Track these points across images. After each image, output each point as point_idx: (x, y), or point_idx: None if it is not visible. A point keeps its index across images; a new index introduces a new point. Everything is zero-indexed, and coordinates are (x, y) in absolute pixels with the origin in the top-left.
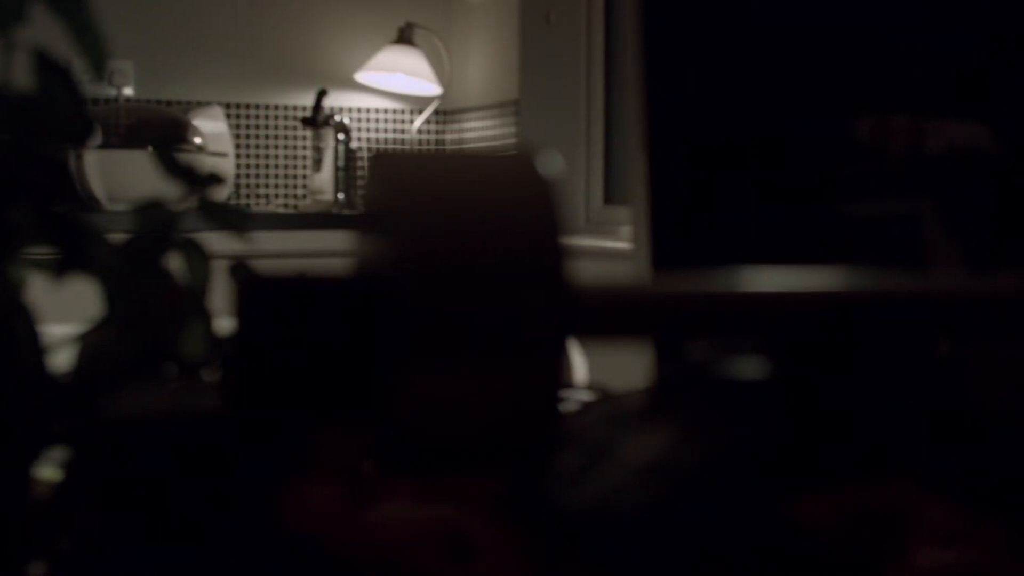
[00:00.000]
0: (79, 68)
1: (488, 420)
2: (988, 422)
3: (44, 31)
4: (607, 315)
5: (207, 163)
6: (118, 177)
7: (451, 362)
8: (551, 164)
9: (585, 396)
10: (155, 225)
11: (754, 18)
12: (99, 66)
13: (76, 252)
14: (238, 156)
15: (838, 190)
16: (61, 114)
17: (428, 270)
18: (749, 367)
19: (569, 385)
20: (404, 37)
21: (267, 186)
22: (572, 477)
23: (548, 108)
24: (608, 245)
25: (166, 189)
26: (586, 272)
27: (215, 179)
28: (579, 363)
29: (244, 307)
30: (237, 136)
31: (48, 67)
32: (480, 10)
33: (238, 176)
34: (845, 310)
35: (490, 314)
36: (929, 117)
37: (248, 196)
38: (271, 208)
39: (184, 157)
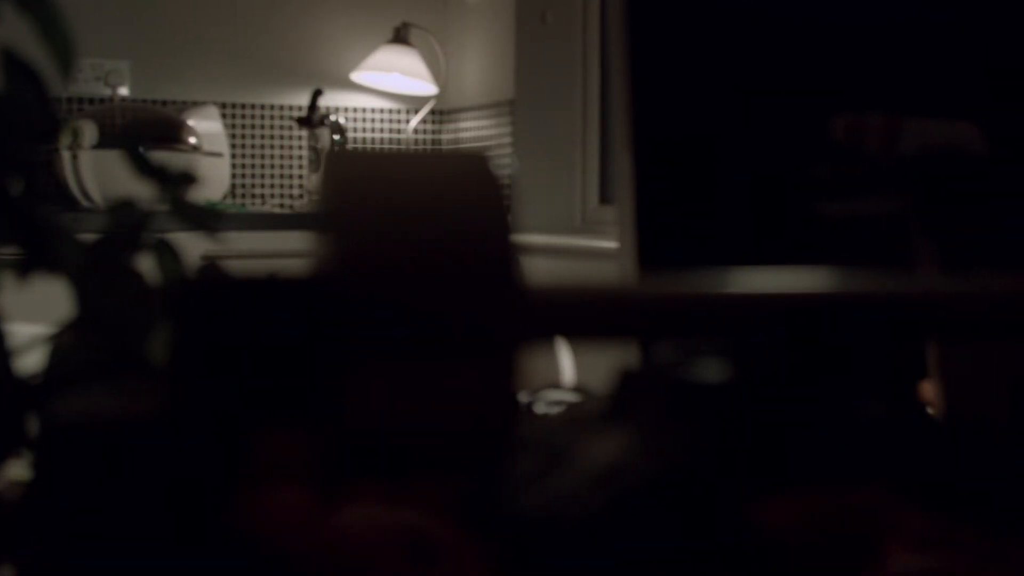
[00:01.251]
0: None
1: (437, 425)
2: (962, 426)
3: (14, 32)
4: (559, 317)
5: (202, 163)
6: (113, 177)
7: (397, 366)
8: (502, 165)
9: (568, 397)
10: (124, 225)
11: (740, 19)
12: (67, 66)
13: (41, 251)
14: (234, 156)
15: (822, 190)
16: (28, 114)
17: (374, 271)
18: (713, 370)
19: (545, 386)
20: (400, 37)
21: (263, 186)
22: (529, 482)
23: (544, 108)
24: (604, 245)
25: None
26: (582, 272)
27: (187, 179)
28: (566, 364)
29: (188, 308)
30: (233, 136)
31: (15, 67)
32: (476, 10)
33: (234, 176)
34: (816, 312)
35: (436, 316)
36: (916, 117)
37: (244, 196)
38: (267, 208)
39: (156, 156)
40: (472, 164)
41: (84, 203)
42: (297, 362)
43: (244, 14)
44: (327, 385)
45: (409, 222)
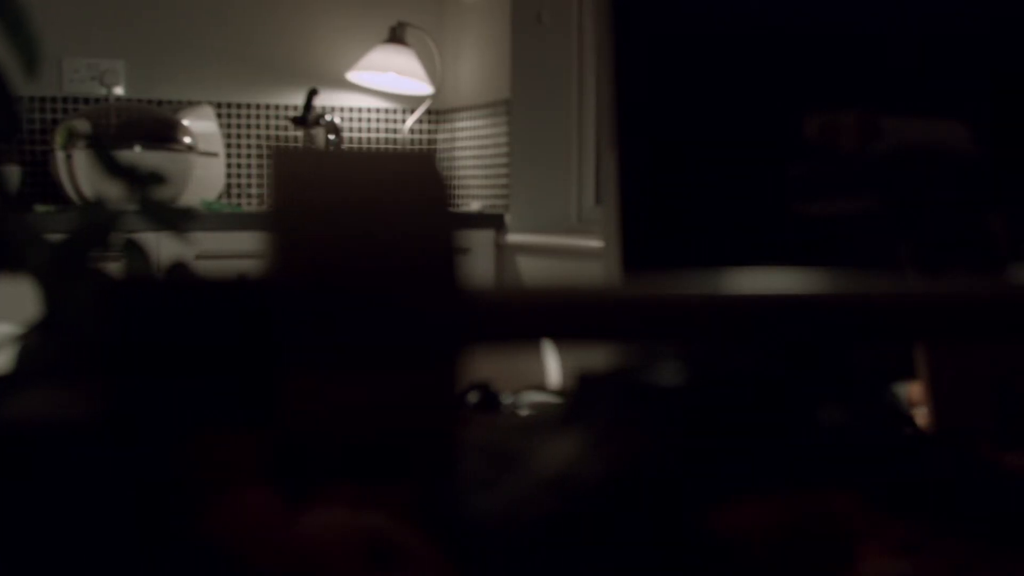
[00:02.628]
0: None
1: (377, 429)
2: (936, 432)
3: None
4: (501, 320)
5: (198, 163)
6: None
7: (336, 368)
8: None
9: (550, 399)
10: (91, 225)
11: (725, 19)
12: (32, 66)
13: (5, 251)
14: (229, 156)
15: (805, 191)
16: None
17: (314, 273)
18: (674, 372)
19: (528, 388)
20: (396, 36)
21: (258, 186)
22: (483, 485)
23: (540, 107)
24: (599, 245)
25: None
26: (577, 271)
27: (156, 178)
28: (551, 365)
29: (134, 309)
30: (228, 136)
31: None
32: (472, 9)
33: (229, 176)
34: (788, 314)
35: (375, 320)
36: (898, 117)
37: (239, 196)
38: (262, 208)
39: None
40: (417, 165)
41: (79, 203)
42: (246, 364)
43: (239, 14)
44: (273, 387)
45: (352, 223)
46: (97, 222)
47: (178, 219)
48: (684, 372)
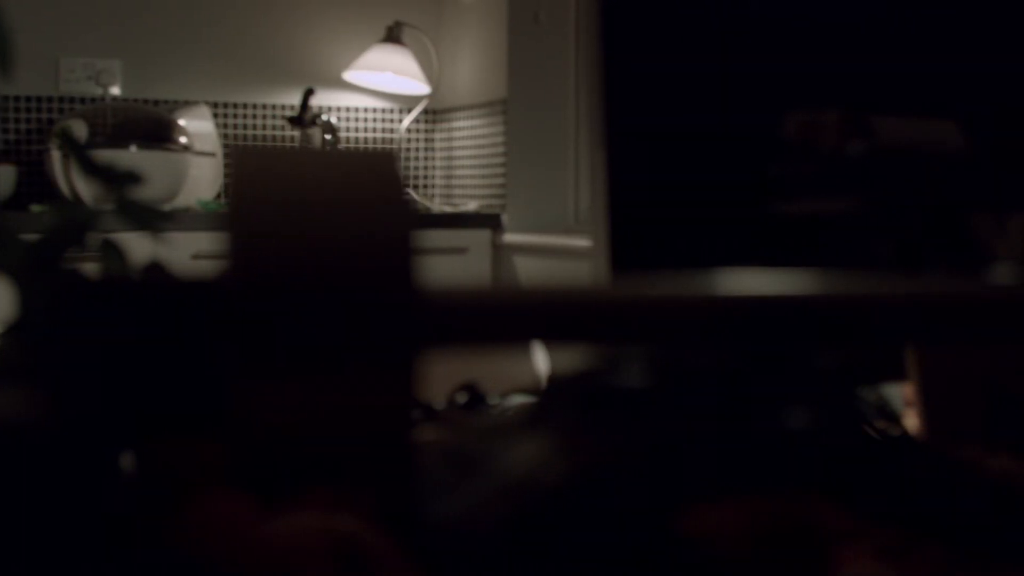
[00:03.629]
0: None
1: (331, 433)
2: (922, 435)
3: None
4: (458, 322)
5: (194, 163)
6: None
7: (290, 373)
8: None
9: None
10: (67, 225)
11: (714, 20)
12: (5, 65)
13: None
14: (226, 156)
15: (792, 192)
16: None
17: (268, 274)
18: (639, 376)
19: (516, 390)
20: (392, 36)
21: None
22: (447, 488)
23: (537, 107)
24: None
25: (155, 188)
26: (574, 271)
27: (133, 178)
28: (542, 366)
29: (89, 312)
30: (224, 135)
31: None
32: (469, 9)
33: (226, 176)
34: (756, 316)
35: (330, 322)
36: (883, 116)
37: None
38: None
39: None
40: (374, 164)
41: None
42: (206, 365)
43: (236, 13)
44: (229, 391)
45: (308, 224)
46: (73, 222)
47: (155, 219)
48: (654, 374)
